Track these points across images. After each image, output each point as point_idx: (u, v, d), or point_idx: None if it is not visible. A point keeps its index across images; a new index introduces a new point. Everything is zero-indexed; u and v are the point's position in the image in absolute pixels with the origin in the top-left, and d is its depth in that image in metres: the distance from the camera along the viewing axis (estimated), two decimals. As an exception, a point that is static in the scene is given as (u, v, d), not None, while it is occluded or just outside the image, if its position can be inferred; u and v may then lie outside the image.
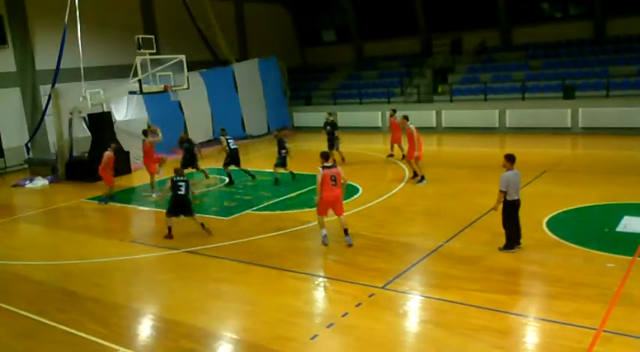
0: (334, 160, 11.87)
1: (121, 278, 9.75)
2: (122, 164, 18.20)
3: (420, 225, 11.58)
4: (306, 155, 18.85)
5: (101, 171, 14.98)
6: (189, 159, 16.41)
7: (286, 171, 16.20)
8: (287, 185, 15.58)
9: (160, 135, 16.86)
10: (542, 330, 6.82)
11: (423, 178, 14.80)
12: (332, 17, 34.48)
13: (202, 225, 11.39)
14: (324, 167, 9.95)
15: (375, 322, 7.22)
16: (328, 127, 18.12)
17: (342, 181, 10.02)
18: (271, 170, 16.31)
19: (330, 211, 10.24)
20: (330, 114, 19.14)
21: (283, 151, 15.93)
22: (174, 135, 22.87)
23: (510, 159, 9.24)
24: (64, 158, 19.19)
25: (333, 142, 17.89)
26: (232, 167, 16.39)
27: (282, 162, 16.06)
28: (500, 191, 9.09)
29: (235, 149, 16.25)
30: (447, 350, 6.46)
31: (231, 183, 16.24)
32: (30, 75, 21.85)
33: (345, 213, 10.36)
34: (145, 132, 16.35)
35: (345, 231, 10.17)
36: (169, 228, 11.39)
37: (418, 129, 14.98)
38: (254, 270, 9.41)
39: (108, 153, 14.97)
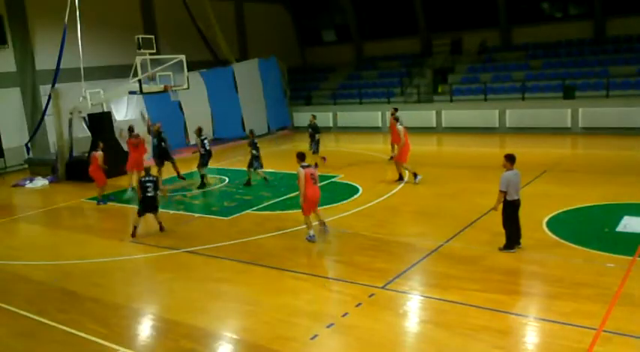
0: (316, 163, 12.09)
1: (121, 278, 9.75)
2: (122, 164, 18.16)
3: (420, 225, 11.56)
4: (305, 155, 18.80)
5: (93, 172, 14.96)
6: (163, 153, 16.39)
7: (247, 171, 15.99)
8: (287, 185, 15.56)
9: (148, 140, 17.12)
10: (542, 330, 6.82)
11: (416, 175, 14.77)
12: (332, 17, 34.48)
13: (160, 223, 11.90)
14: (303, 166, 10.38)
15: (375, 322, 7.22)
16: (310, 130, 18.04)
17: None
18: (270, 170, 16.29)
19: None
20: (314, 116, 18.91)
21: (254, 151, 15.79)
22: (175, 135, 23.02)
23: (510, 159, 9.25)
24: (64, 158, 19.19)
25: (315, 145, 17.72)
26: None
27: (257, 163, 15.85)
28: (500, 191, 9.09)
29: (209, 151, 16.08)
30: (447, 350, 6.46)
31: (202, 185, 16.04)
32: (30, 75, 21.86)
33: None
34: (131, 129, 16.60)
35: (323, 223, 10.81)
36: (135, 227, 11.71)
37: (407, 129, 15.07)
38: (254, 270, 9.41)
39: (100, 153, 14.94)
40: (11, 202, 16.94)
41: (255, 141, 15.86)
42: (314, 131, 17.86)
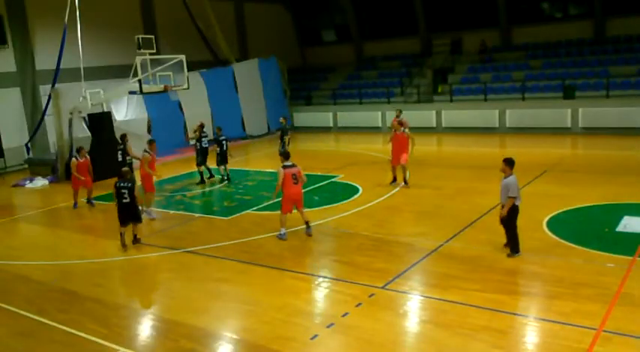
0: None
1: (121, 278, 9.76)
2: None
3: (420, 225, 11.54)
4: (305, 154, 18.84)
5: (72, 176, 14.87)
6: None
7: (219, 170, 16.53)
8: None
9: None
10: (542, 330, 6.82)
11: (395, 180, 14.74)
12: (332, 17, 34.48)
13: (135, 236, 11.08)
14: (284, 166, 10.55)
15: (375, 322, 7.21)
16: (279, 132, 18.04)
17: (301, 179, 10.70)
18: (270, 170, 16.29)
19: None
20: (285, 118, 19.08)
21: (217, 149, 16.18)
22: (175, 135, 23.03)
23: (510, 163, 9.01)
24: (64, 158, 19.16)
25: (283, 146, 17.70)
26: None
27: (222, 159, 16.32)
28: (511, 197, 8.82)
29: (205, 148, 16.44)
30: (447, 350, 6.46)
31: (202, 181, 16.51)
32: (30, 75, 21.87)
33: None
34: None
35: (307, 224, 10.88)
36: (121, 234, 10.87)
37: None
38: (254, 270, 9.41)
39: (73, 161, 14.64)
40: (11, 202, 16.94)
41: (222, 138, 16.21)
42: (282, 133, 17.84)
